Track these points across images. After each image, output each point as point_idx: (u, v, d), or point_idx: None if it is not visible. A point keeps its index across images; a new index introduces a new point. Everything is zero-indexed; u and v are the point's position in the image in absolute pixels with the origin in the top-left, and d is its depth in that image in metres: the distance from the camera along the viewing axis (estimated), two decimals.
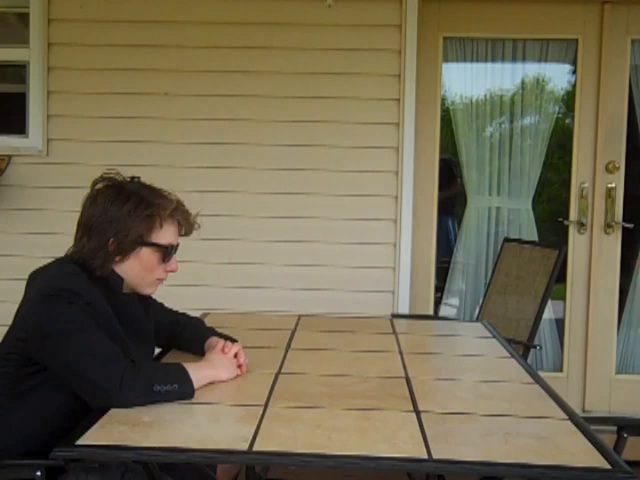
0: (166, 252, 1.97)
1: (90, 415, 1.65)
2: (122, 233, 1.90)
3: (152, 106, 3.78)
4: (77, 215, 1.96)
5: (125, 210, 1.90)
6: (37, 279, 1.94)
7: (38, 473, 1.73)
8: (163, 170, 3.71)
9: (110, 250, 1.91)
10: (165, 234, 1.96)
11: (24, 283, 1.96)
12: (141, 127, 3.79)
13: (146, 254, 1.95)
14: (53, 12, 3.78)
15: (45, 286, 1.85)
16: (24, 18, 3.83)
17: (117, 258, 1.93)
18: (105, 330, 1.83)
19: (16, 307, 1.92)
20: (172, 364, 1.89)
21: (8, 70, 4.19)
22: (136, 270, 1.96)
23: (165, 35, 3.76)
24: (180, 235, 2.03)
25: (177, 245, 2.02)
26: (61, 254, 2.01)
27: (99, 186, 1.96)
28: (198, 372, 1.84)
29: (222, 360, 1.96)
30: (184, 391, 1.77)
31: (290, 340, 2.46)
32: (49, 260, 1.99)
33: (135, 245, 1.92)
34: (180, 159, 3.78)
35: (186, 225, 2.02)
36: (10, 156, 3.79)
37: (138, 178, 2.01)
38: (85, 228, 1.93)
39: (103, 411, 1.67)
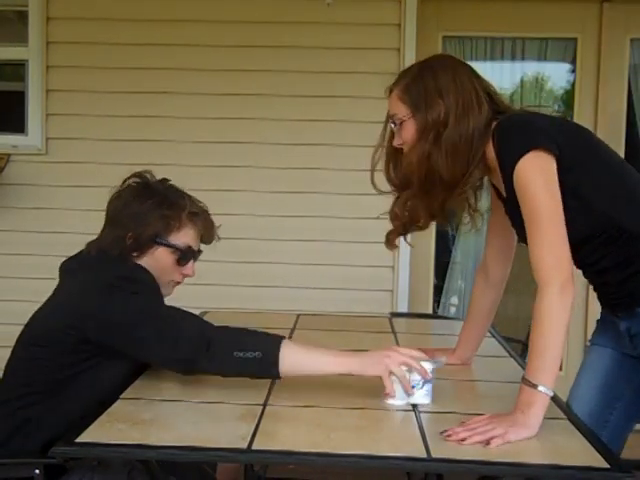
0: (182, 255, 1.96)
1: (89, 414, 1.65)
2: (140, 229, 1.90)
3: (151, 105, 3.78)
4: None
5: (146, 207, 1.91)
6: (82, 270, 1.89)
7: (37, 471, 1.72)
8: (163, 169, 3.63)
9: (127, 244, 1.90)
10: (183, 236, 1.96)
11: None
12: (140, 126, 3.79)
13: (162, 254, 1.94)
14: (52, 10, 3.78)
15: (107, 276, 1.82)
16: (23, 16, 3.82)
17: (134, 254, 1.92)
18: None
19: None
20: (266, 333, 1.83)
21: (7, 69, 4.19)
22: (152, 269, 1.93)
23: (164, 34, 3.76)
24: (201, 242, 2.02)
25: (198, 251, 2.01)
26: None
27: (129, 181, 1.98)
28: (342, 356, 1.75)
29: (378, 357, 1.76)
30: (268, 360, 1.71)
31: (289, 339, 2.45)
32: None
33: (151, 243, 1.92)
34: (181, 158, 3.77)
35: (206, 234, 2.02)
36: (9, 154, 3.78)
37: (168, 180, 2.02)
38: (108, 219, 1.95)
39: (102, 409, 1.67)
